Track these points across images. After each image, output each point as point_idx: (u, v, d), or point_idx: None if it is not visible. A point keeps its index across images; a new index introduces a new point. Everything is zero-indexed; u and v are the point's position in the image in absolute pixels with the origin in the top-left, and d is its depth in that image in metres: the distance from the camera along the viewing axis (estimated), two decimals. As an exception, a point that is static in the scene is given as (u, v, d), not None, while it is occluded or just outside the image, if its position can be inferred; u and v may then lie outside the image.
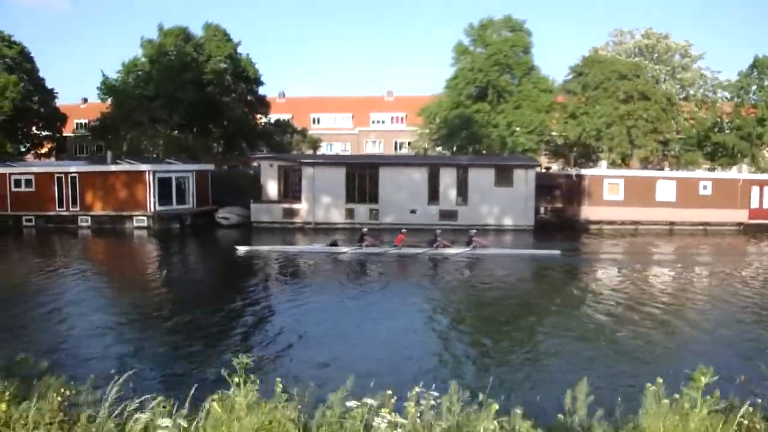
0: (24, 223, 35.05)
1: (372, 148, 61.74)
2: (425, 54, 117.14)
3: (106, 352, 11.62)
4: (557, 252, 24.53)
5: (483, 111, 42.79)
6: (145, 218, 33.33)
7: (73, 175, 34.20)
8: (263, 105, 48.17)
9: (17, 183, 35.10)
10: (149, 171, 33.14)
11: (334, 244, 24.68)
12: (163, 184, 33.61)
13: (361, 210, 32.59)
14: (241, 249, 24.73)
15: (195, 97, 42.28)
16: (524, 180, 32.65)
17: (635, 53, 51.70)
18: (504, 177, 32.57)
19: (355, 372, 4.64)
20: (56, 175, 34.49)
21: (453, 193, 32.62)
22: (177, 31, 44.79)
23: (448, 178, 32.53)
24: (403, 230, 25.34)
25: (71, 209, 34.31)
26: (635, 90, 40.80)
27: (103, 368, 10.30)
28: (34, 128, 53.85)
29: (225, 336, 13.20)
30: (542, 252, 25.14)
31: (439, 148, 48.25)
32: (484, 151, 42.85)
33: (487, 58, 42.24)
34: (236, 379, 3.92)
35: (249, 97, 46.88)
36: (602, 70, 41.38)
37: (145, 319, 14.67)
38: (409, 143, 63.24)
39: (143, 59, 46.30)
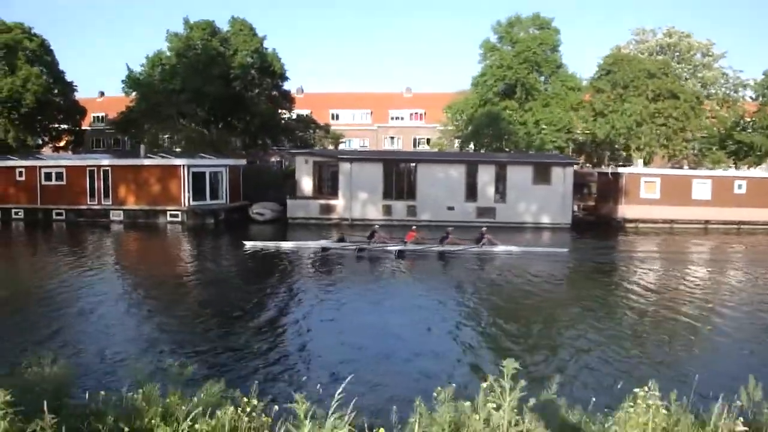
0: (54, 217, 34.75)
1: (390, 144, 61.51)
2: (443, 51, 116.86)
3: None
4: (566, 250, 24.19)
5: (511, 108, 42.64)
6: (179, 213, 33.05)
7: (106, 168, 33.88)
8: (287, 100, 47.81)
9: (47, 176, 34.78)
10: (184, 165, 32.84)
11: (341, 239, 24.30)
12: (197, 179, 33.31)
13: (399, 206, 32.37)
14: (248, 244, 24.40)
15: (222, 92, 41.89)
16: (562, 178, 32.48)
17: (657, 51, 51.54)
18: (542, 175, 32.39)
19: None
20: (88, 169, 34.17)
21: (491, 190, 32.43)
22: (203, 24, 44.40)
23: (486, 176, 32.32)
24: (414, 227, 24.87)
25: (103, 203, 34.01)
26: (664, 88, 40.66)
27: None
28: (52, 121, 53.54)
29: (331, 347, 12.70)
30: (552, 250, 24.67)
31: (457, 144, 48.16)
32: (507, 149, 42.71)
33: (516, 55, 42.06)
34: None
35: (273, 92, 46.49)
36: (632, 68, 41.21)
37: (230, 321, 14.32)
38: (428, 140, 63.18)
39: (168, 53, 45.90)
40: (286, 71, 45.93)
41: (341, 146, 53.97)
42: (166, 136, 46.35)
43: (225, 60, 42.96)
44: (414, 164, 32.43)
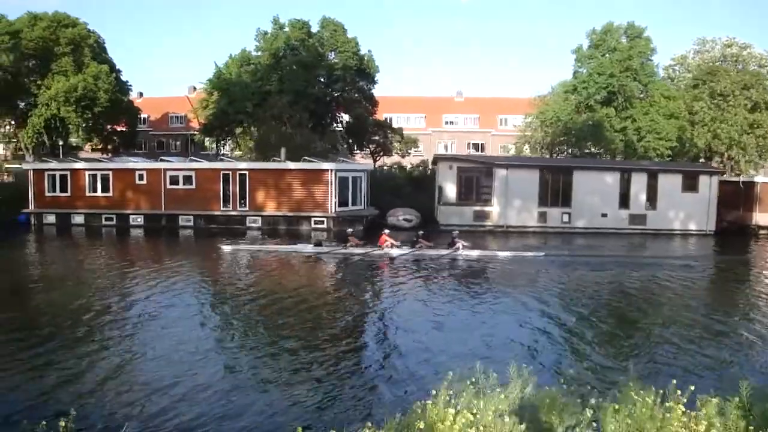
0: (180, 223, 32.65)
1: (445, 149, 60.99)
2: (491, 55, 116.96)
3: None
4: (542, 254, 23.67)
5: (609, 116, 42.95)
6: (324, 219, 31.60)
7: (243, 172, 32.06)
8: (372, 104, 46.70)
9: (173, 180, 32.68)
10: (332, 170, 31.44)
11: (318, 244, 23.98)
12: (341, 184, 31.97)
13: (554, 213, 31.98)
14: (226, 248, 23.83)
15: (325, 94, 40.50)
16: (708, 186, 32.84)
17: (719, 61, 53.16)
18: (690, 183, 32.68)
19: None
20: (222, 172, 32.27)
21: (643, 197, 32.47)
22: (299, 24, 42.83)
23: (638, 183, 32.35)
24: (386, 231, 24.26)
25: (239, 209, 32.14)
26: (761, 99, 41.88)
27: None
28: (117, 122, 50.57)
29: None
30: (528, 254, 23.85)
31: (529, 150, 48.21)
32: (605, 156, 43.01)
33: (618, 62, 42.42)
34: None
35: (366, 95, 45.34)
36: (730, 78, 42.27)
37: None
38: (482, 145, 63.04)
39: (256, 53, 44.07)
40: (378, 74, 44.84)
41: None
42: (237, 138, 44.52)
43: (326, 61, 41.54)
44: (570, 171, 32.09)
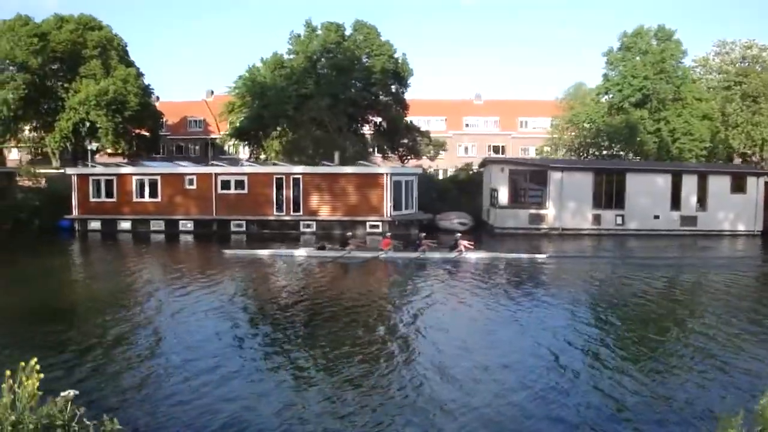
0: (232, 229, 32.28)
1: (465, 152, 61.07)
2: (510, 57, 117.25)
3: None
4: (544, 255, 23.86)
5: (642, 118, 43.31)
6: (380, 224, 31.41)
7: (296, 176, 31.81)
8: (403, 107, 46.62)
9: (225, 184, 32.34)
10: (387, 174, 31.33)
11: (322, 248, 24.01)
12: (396, 188, 31.85)
13: (608, 215, 32.10)
14: (228, 252, 24.07)
15: (362, 97, 40.38)
16: (755, 187, 33.20)
17: (740, 62, 53.86)
18: (738, 184, 33.00)
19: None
20: (275, 177, 31.98)
21: (693, 199, 32.72)
22: (333, 26, 42.64)
23: (689, 185, 32.60)
24: (388, 234, 24.68)
25: (292, 213, 31.87)
26: (792, 101, 42.52)
27: None
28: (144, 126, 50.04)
29: None
30: (528, 256, 23.86)
31: (560, 152, 48.47)
32: (637, 158, 43.34)
33: (651, 65, 42.80)
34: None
35: (398, 98, 45.27)
36: (762, 80, 42.84)
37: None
38: (502, 147, 63.23)
39: (288, 56, 43.81)
40: (411, 77, 44.78)
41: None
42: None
43: (362, 64, 41.43)
44: (623, 173, 32.26)
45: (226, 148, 61.84)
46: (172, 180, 32.71)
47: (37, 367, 4.20)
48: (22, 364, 4.23)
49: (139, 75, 48.24)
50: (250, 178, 32.11)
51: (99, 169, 34.06)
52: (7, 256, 26.26)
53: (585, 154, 46.44)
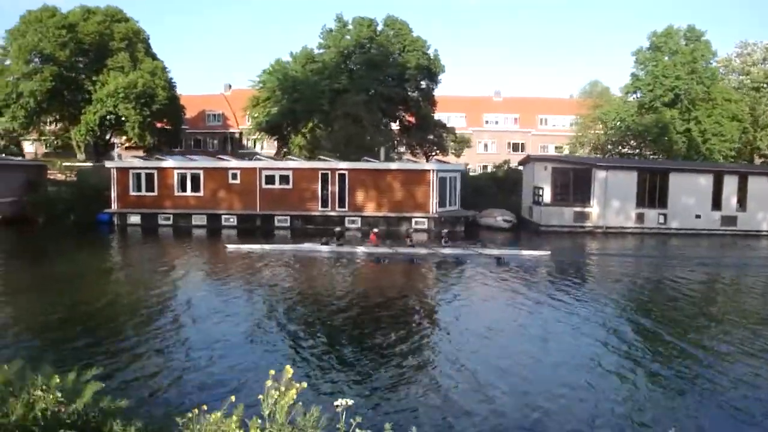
0: (276, 224, 32.18)
1: (485, 149, 61.15)
2: (527, 54, 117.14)
3: None
4: (548, 253, 24.06)
5: (674, 117, 43.58)
6: (425, 220, 31.47)
7: (342, 172, 31.74)
8: (432, 103, 46.59)
9: (269, 179, 32.20)
10: (434, 170, 31.34)
11: (326, 243, 24.37)
12: (441, 185, 31.87)
13: (651, 214, 32.31)
14: (231, 247, 24.27)
15: (396, 93, 40.31)
16: (794, 187, 33.53)
17: (761, 63, 54.29)
18: (777, 184, 33.31)
19: None
20: (321, 172, 31.90)
21: (734, 199, 32.99)
22: (366, 22, 42.48)
23: (730, 185, 32.86)
24: (375, 230, 25.23)
25: (338, 209, 31.81)
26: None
27: None
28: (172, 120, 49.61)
29: None
30: (533, 252, 24.19)
31: (583, 150, 48.70)
32: (657, 157, 43.62)
33: (682, 65, 43.04)
34: None
35: (427, 95, 45.21)
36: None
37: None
38: (522, 145, 63.31)
39: (319, 50, 43.63)
40: (442, 74, 44.74)
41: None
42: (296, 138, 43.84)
43: (395, 60, 41.34)
44: (666, 173, 32.46)
45: (244, 142, 61.58)
46: (216, 174, 32.53)
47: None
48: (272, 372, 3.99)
49: (165, 68, 47.87)
50: (295, 173, 31.99)
51: (139, 163, 33.81)
52: (55, 252, 25.99)
53: (611, 153, 46.68)
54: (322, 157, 32.83)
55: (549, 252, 24.03)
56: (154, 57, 48.29)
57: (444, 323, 14.51)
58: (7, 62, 46.17)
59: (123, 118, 43.79)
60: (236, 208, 32.34)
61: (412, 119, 45.86)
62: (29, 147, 59.81)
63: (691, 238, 31.61)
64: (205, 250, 27.40)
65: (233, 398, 3.96)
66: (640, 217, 32.35)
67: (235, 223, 32.31)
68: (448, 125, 58.84)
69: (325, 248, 23.28)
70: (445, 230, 25.68)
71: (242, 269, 20.83)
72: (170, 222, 32.85)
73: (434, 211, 31.34)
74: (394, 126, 47.27)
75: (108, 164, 34.15)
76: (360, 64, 40.82)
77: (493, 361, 11.17)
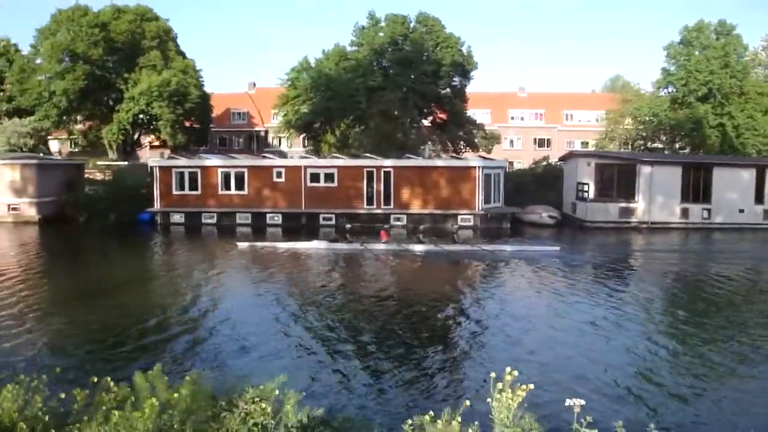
0: (321, 222, 32.21)
1: (510, 145, 61.12)
2: (548, 50, 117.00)
3: None
4: (557, 248, 24.25)
5: (707, 112, 43.52)
6: (471, 217, 31.49)
7: (387, 170, 31.77)
8: (463, 99, 46.57)
9: (314, 177, 32.24)
10: (479, 167, 31.36)
11: (335, 240, 24.91)
12: (485, 181, 31.88)
13: (695, 209, 32.29)
14: (241, 245, 24.54)
15: (430, 89, 40.32)
16: (835, 181, 33.45)
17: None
18: (818, 178, 33.24)
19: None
20: (366, 170, 31.93)
21: (776, 193, 32.95)
22: (400, 19, 42.47)
23: (773, 179, 32.83)
24: (386, 226, 25.87)
25: (383, 207, 31.86)
26: None
27: None
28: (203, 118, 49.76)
29: None
30: (542, 248, 24.41)
31: (612, 145, 48.70)
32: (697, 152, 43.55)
33: (714, 59, 42.95)
34: None
35: (458, 91, 45.20)
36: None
37: None
38: (547, 140, 63.28)
39: (351, 47, 43.63)
40: (474, 70, 44.71)
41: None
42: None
43: (430, 57, 41.33)
44: (710, 167, 32.44)
45: (269, 140, 61.66)
46: (260, 173, 32.59)
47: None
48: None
49: (195, 67, 48.00)
50: (340, 171, 32.03)
51: (183, 161, 33.87)
52: (103, 251, 26.14)
53: (641, 147, 46.67)
54: (366, 154, 32.81)
55: (558, 247, 24.22)
56: (183, 56, 48.41)
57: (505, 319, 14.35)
58: (38, 61, 46.37)
59: (157, 117, 43.88)
60: (281, 207, 32.38)
61: (443, 116, 45.84)
62: (54, 146, 60.08)
63: (735, 233, 31.60)
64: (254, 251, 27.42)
65: (468, 403, 4.06)
66: (684, 212, 32.32)
67: (280, 222, 32.37)
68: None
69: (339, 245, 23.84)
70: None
71: (292, 269, 21.03)
72: (214, 221, 32.90)
73: (480, 208, 31.35)
74: (425, 123, 47.30)
75: (150, 163, 34.29)
76: (394, 62, 40.80)
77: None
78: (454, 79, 44.09)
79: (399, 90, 40.01)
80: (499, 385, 4.04)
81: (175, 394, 3.72)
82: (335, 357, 11.29)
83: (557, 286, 18.23)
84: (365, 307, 15.20)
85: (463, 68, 43.39)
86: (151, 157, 52.14)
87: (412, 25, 43.66)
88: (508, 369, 3.88)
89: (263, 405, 3.82)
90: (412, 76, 40.36)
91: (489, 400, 3.82)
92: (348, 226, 28.97)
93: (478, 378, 9.81)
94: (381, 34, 42.47)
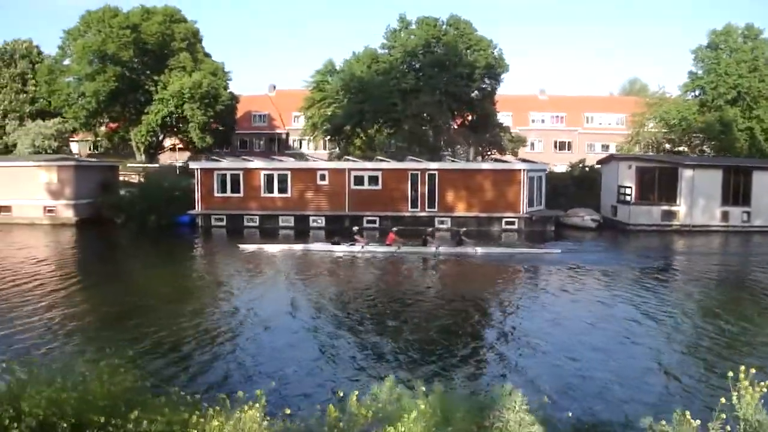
0: (365, 225, 32.23)
1: (531, 149, 61.29)
2: (570, 54, 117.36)
3: None
4: (558, 251, 24.73)
5: (736, 115, 43.79)
6: (515, 220, 31.65)
7: (432, 172, 31.87)
8: (492, 102, 46.70)
9: (358, 180, 32.32)
10: (524, 170, 31.53)
11: (336, 243, 24.96)
12: (529, 184, 32.04)
13: (735, 212, 32.55)
14: (244, 247, 24.78)
15: (464, 92, 40.48)
16: None
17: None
18: None
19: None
20: (410, 173, 32.04)
21: (813, 196, 33.19)
22: (432, 22, 42.61)
23: (812, 182, 33.09)
24: (394, 229, 25.65)
25: (427, 210, 31.97)
26: None
27: None
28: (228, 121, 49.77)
29: None
30: (542, 251, 24.98)
31: (635, 149, 48.90)
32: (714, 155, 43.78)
33: (743, 63, 43.26)
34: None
35: (487, 94, 45.36)
36: None
37: None
38: (569, 143, 63.54)
39: (383, 50, 43.73)
40: (506, 73, 44.88)
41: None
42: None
43: (462, 60, 41.48)
44: (750, 171, 32.69)
45: (290, 142, 61.68)
46: (303, 175, 32.64)
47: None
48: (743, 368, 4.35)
49: (224, 69, 47.99)
50: (384, 173, 32.12)
51: (224, 164, 33.89)
52: (151, 256, 26.09)
53: (666, 151, 46.84)
54: (411, 157, 32.92)
55: (559, 250, 24.59)
56: (210, 57, 48.40)
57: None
58: (66, 62, 46.28)
59: (187, 118, 43.84)
60: (324, 209, 32.44)
61: (470, 118, 45.99)
62: (74, 148, 59.91)
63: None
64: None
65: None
66: (724, 216, 32.56)
67: (323, 225, 32.42)
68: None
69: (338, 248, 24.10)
70: (462, 230, 25.90)
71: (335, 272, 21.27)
72: (256, 224, 32.92)
73: (524, 211, 31.50)
74: (453, 125, 47.42)
75: (192, 165, 34.29)
76: (427, 64, 40.91)
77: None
78: (485, 81, 44.17)
79: (433, 92, 40.11)
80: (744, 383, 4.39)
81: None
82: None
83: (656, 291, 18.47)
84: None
85: (495, 71, 43.53)
86: (170, 160, 52.21)
87: (443, 27, 43.81)
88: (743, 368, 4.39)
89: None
90: (445, 79, 40.44)
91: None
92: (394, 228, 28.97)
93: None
94: (413, 36, 42.57)
